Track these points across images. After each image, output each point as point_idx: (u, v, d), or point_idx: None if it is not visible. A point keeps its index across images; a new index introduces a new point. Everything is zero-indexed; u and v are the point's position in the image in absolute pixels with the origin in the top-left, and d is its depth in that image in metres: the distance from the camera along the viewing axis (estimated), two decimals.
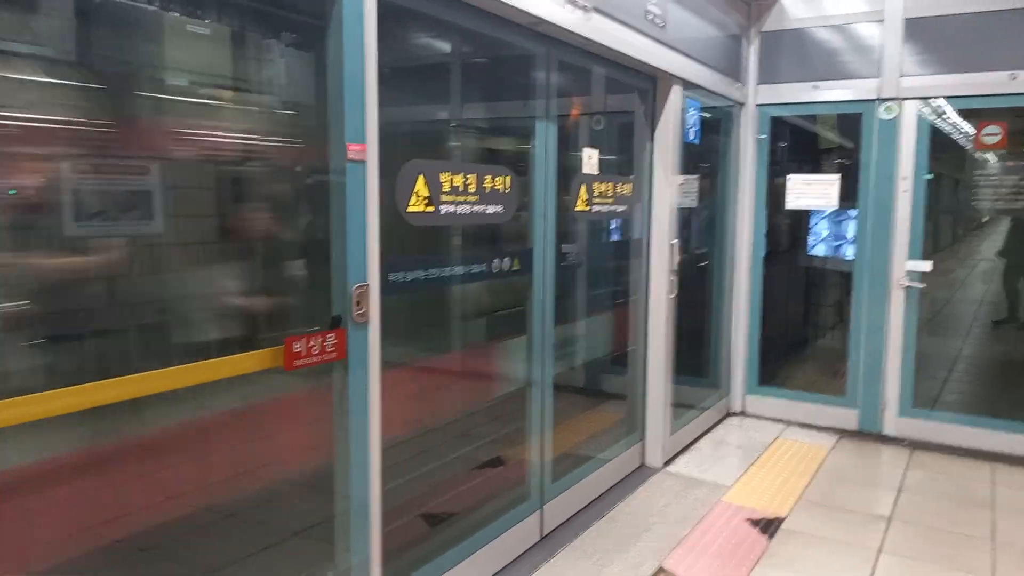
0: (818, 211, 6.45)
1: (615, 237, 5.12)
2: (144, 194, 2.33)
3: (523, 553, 3.52)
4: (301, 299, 2.93)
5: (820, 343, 7.09)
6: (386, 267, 2.53)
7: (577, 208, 3.77)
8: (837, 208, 5.50)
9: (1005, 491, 4.40)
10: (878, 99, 5.17)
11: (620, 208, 4.17)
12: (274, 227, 2.96)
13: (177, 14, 2.61)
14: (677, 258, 4.63)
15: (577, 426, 4.48)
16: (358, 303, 2.38)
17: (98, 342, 2.41)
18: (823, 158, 6.50)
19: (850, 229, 6.30)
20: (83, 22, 2.39)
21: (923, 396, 5.32)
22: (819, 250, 6.86)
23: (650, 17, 4.06)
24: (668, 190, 4.54)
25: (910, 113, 5.10)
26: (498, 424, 4.08)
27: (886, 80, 5.13)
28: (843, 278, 6.53)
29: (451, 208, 2.85)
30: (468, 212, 2.95)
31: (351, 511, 2.49)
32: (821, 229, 6.86)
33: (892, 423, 5.30)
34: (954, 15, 4.91)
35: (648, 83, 4.47)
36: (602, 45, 3.64)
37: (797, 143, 6.16)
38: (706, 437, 5.28)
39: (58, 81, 2.29)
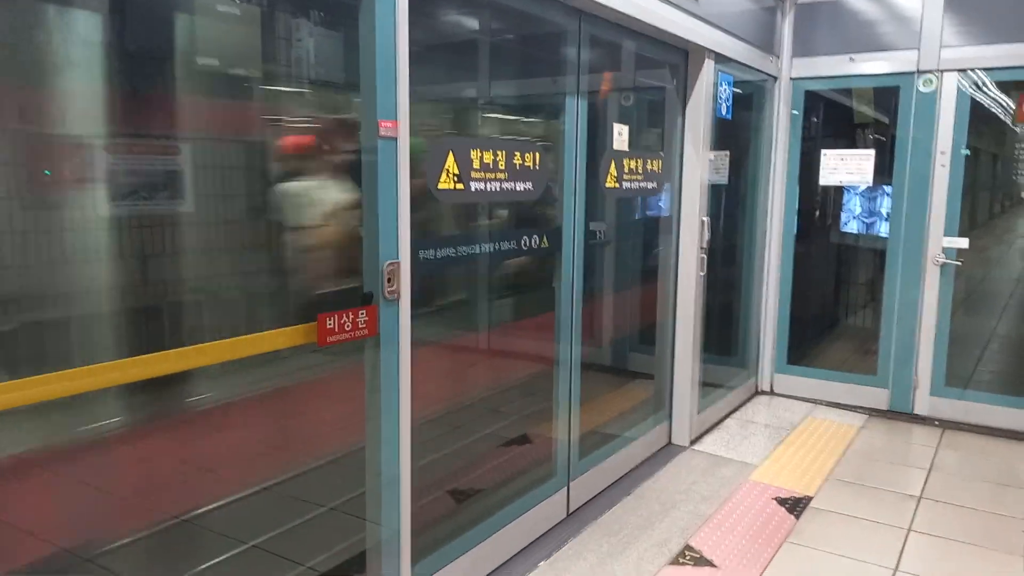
0: (851, 187, 6.34)
1: (644, 214, 5.07)
2: None
3: (549, 530, 3.54)
4: None
5: (850, 321, 7.00)
6: (417, 244, 2.54)
7: (607, 185, 3.73)
8: (871, 184, 5.40)
9: None
10: (917, 71, 5.03)
11: (650, 185, 4.12)
12: None
13: None
14: (707, 236, 4.58)
15: (604, 404, 4.48)
16: (389, 280, 2.38)
17: None
18: (857, 133, 6.36)
19: (884, 205, 6.18)
20: None
21: (956, 375, 5.24)
22: (851, 227, 6.74)
23: None
24: (699, 166, 4.48)
25: (950, 86, 4.96)
26: (525, 401, 4.09)
27: (925, 51, 4.99)
28: (875, 255, 6.42)
29: (481, 185, 2.83)
30: (498, 189, 2.93)
31: (382, 486, 2.52)
32: (854, 206, 6.74)
33: (924, 402, 5.23)
34: None
35: (680, 57, 4.39)
36: (634, 18, 3.57)
37: (831, 117, 6.03)
38: (734, 416, 5.26)
39: None
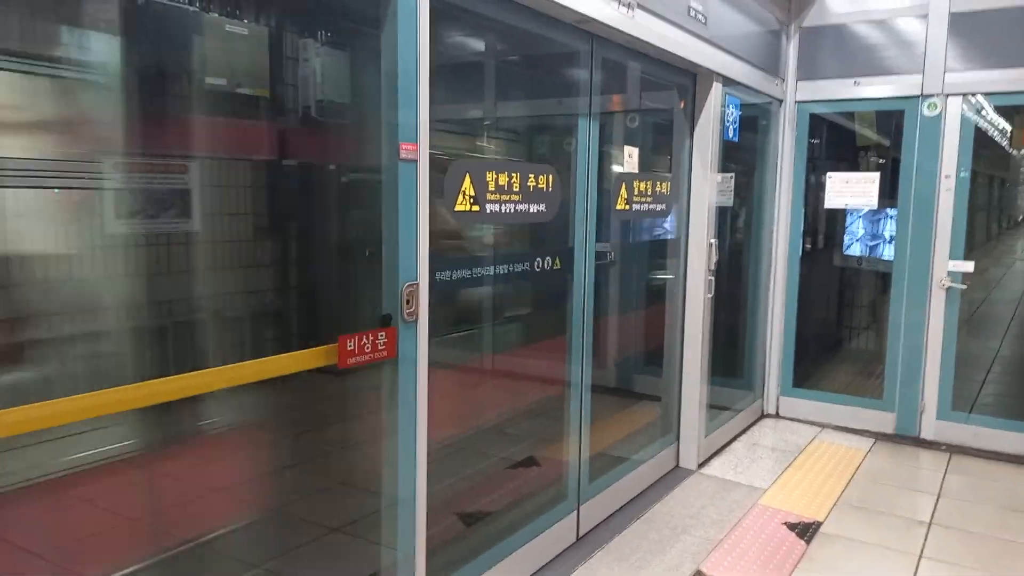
0: (855, 210, 6.36)
1: (652, 235, 5.08)
2: None
3: (560, 554, 3.51)
4: None
5: (855, 345, 7.00)
6: (434, 266, 2.53)
7: (617, 207, 3.74)
8: (876, 207, 5.42)
9: None
10: (921, 95, 5.07)
11: (659, 207, 4.13)
12: None
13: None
14: (715, 258, 4.59)
15: (612, 426, 4.46)
16: (408, 301, 2.38)
17: None
18: (861, 156, 6.40)
19: (887, 228, 6.20)
20: None
21: (961, 399, 5.24)
22: (855, 249, 6.76)
23: (692, 13, 4.01)
24: (707, 188, 4.50)
25: (954, 110, 5.00)
26: (534, 423, 4.07)
27: (929, 76, 5.03)
28: (880, 278, 6.44)
29: (496, 207, 2.83)
30: (512, 211, 2.93)
31: (398, 507, 2.50)
32: (857, 228, 6.77)
33: (930, 427, 5.22)
34: (1001, 8, 4.80)
35: (688, 79, 4.42)
36: (645, 42, 3.60)
37: (835, 140, 6.07)
38: (740, 439, 5.24)
39: None
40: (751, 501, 4.17)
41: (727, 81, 4.55)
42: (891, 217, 5.53)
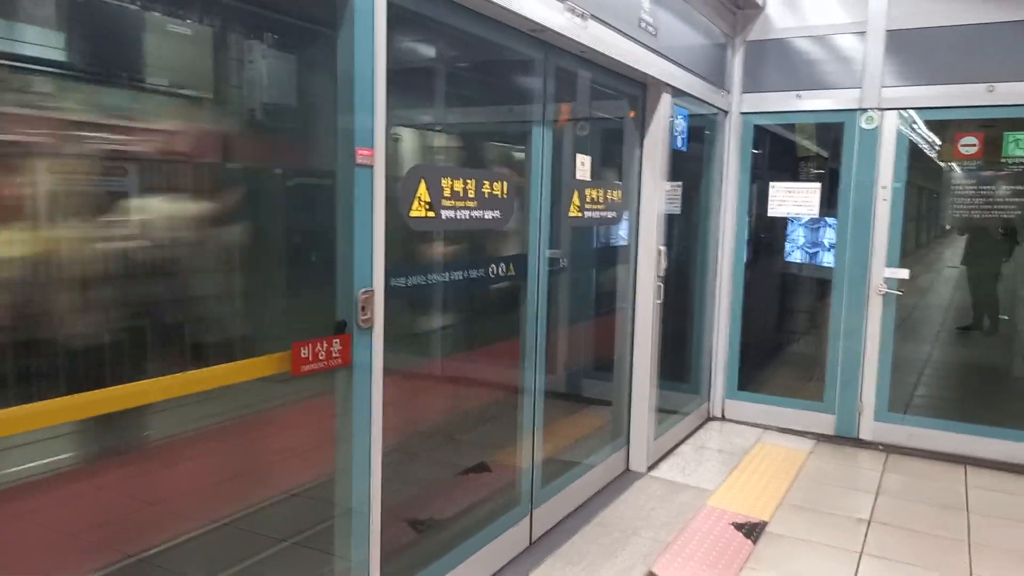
0: (795, 218, 6.56)
1: (604, 242, 5.14)
2: None
3: (514, 558, 3.51)
4: None
5: (797, 349, 7.20)
6: (389, 272, 2.52)
7: (570, 214, 3.78)
8: (817, 216, 5.60)
9: (978, 494, 4.52)
10: (859, 109, 5.27)
11: (611, 214, 4.19)
12: None
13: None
14: (664, 264, 4.67)
15: (564, 431, 4.49)
16: (363, 308, 2.36)
17: None
18: (802, 167, 6.60)
19: (826, 236, 6.41)
20: None
21: (897, 401, 5.44)
22: (796, 257, 6.96)
23: (643, 25, 4.09)
24: (656, 196, 4.58)
25: (890, 123, 5.20)
26: (488, 429, 4.07)
27: (868, 90, 5.23)
28: (820, 285, 6.64)
29: (451, 213, 2.83)
30: (467, 217, 2.94)
31: (351, 515, 2.47)
32: (798, 236, 6.97)
33: (868, 428, 5.41)
34: (935, 27, 5.02)
35: (639, 90, 4.50)
36: (597, 51, 3.65)
37: (778, 151, 6.25)
38: (688, 442, 5.34)
39: None
40: (699, 503, 4.25)
41: (676, 92, 4.65)
42: (830, 225, 5.72)
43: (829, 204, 5.52)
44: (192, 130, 2.67)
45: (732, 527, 3.95)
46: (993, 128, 5.15)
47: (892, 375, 5.38)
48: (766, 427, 5.68)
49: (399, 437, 3.32)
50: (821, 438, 5.48)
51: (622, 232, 4.65)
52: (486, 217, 3.04)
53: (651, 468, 4.76)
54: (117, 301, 2.41)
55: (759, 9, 5.45)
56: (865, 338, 5.36)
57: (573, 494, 4.07)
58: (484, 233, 3.45)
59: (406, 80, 3.29)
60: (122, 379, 1.92)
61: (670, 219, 4.93)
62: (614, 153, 4.64)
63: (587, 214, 3.92)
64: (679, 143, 4.81)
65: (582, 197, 3.85)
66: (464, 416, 4.06)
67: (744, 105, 5.63)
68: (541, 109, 3.47)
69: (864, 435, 5.42)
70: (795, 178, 6.18)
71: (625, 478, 4.59)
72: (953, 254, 7.09)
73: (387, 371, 2.54)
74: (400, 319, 3.11)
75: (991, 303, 6.47)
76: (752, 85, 5.60)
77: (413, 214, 2.64)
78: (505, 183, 3.15)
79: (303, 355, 2.17)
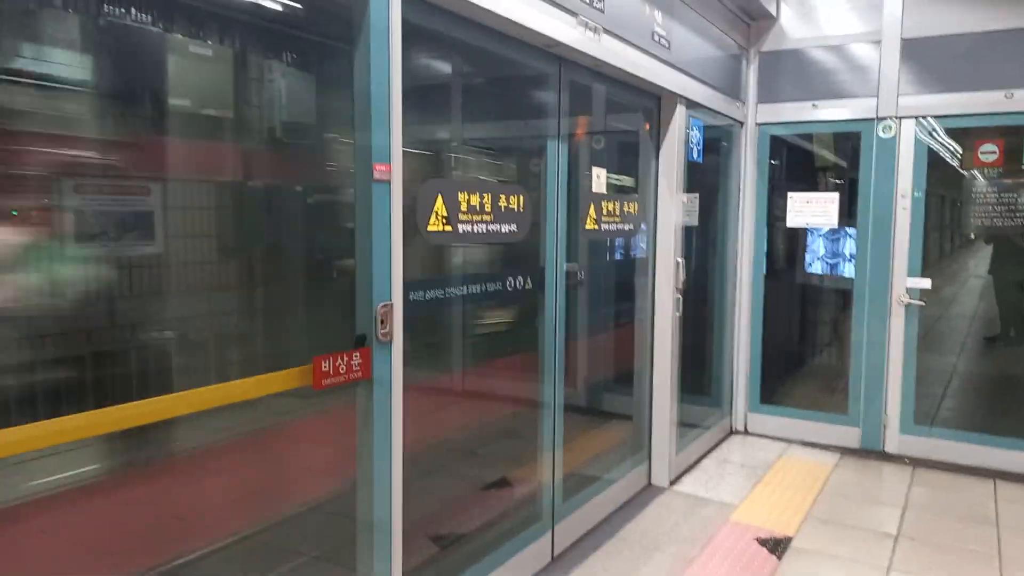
0: (814, 229, 6.51)
1: (621, 255, 5.13)
2: None
3: (535, 574, 3.49)
4: None
5: (819, 361, 7.12)
6: (408, 286, 2.53)
7: (586, 227, 3.78)
8: (836, 226, 5.56)
9: (1008, 507, 4.42)
10: (876, 118, 5.24)
11: (627, 227, 4.19)
12: None
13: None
14: (682, 276, 4.65)
15: (584, 445, 4.46)
16: (382, 322, 2.37)
17: None
18: (820, 176, 6.57)
19: (847, 247, 6.35)
20: None
21: (922, 413, 5.36)
22: (816, 268, 6.91)
23: (656, 38, 4.10)
24: (673, 208, 4.57)
25: (908, 132, 5.17)
26: (508, 444, 4.06)
27: (884, 99, 5.20)
28: (841, 295, 6.57)
29: (468, 227, 2.85)
30: (484, 231, 2.95)
31: (373, 530, 2.46)
32: (817, 247, 6.92)
33: (894, 441, 5.32)
34: (951, 35, 5.00)
35: (653, 102, 4.51)
36: (611, 65, 3.67)
37: (796, 161, 6.22)
38: (710, 456, 5.28)
39: None
40: (722, 517, 4.20)
41: (690, 104, 4.65)
42: (850, 236, 5.68)
43: (848, 214, 5.48)
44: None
45: (756, 542, 3.90)
46: (1015, 135, 5.10)
47: (917, 387, 5.30)
48: (789, 441, 5.61)
49: (418, 450, 3.31)
50: (846, 451, 5.41)
51: (640, 244, 4.64)
52: (502, 230, 3.05)
53: (673, 482, 4.71)
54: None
55: (773, 20, 5.46)
56: (888, 349, 5.29)
57: (594, 509, 4.03)
58: (503, 246, 3.46)
59: (421, 95, 3.32)
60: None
61: (688, 231, 4.92)
62: (630, 165, 4.65)
63: (604, 227, 3.92)
64: (695, 155, 4.81)
65: (598, 210, 3.86)
66: (482, 430, 4.05)
67: (760, 116, 5.62)
68: (556, 122, 3.49)
69: (890, 448, 5.34)
70: (813, 188, 6.15)
71: (647, 493, 4.55)
72: (977, 264, 7.00)
73: (406, 384, 2.54)
74: (419, 332, 3.13)
75: (1018, 313, 6.36)
76: (767, 95, 5.59)
77: (431, 228, 2.66)
78: (521, 196, 3.16)
79: (324, 369, 2.18)
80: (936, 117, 5.14)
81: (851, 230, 5.55)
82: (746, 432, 5.80)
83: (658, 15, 4.11)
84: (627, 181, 4.70)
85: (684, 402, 4.90)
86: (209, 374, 3.02)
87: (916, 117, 5.14)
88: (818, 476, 4.90)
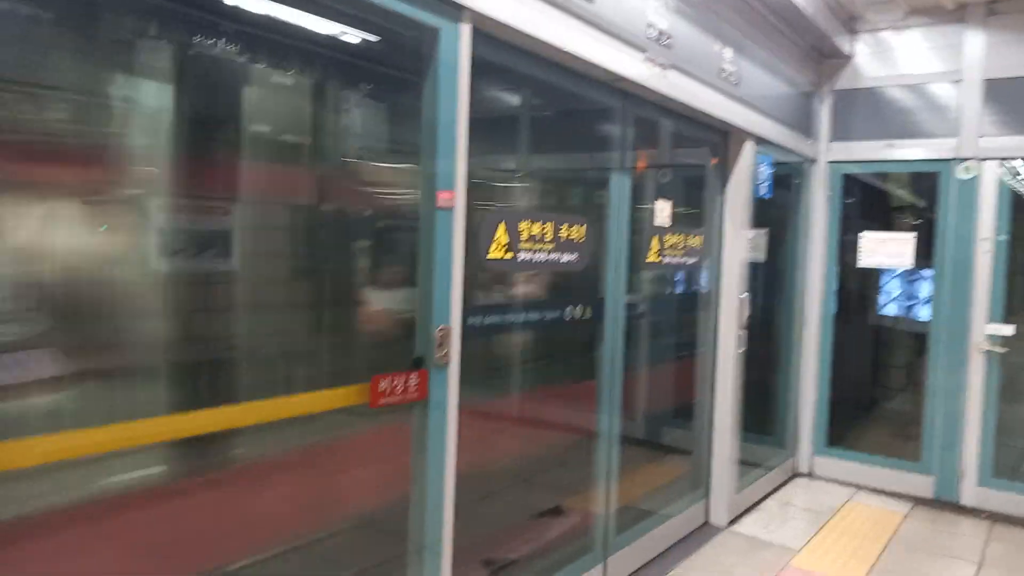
0: (889, 270, 6.32)
1: (683, 289, 5.10)
2: None
3: None
4: None
5: (891, 405, 6.86)
6: (466, 311, 2.60)
7: (648, 259, 3.79)
8: (911, 267, 5.39)
9: None
10: (955, 159, 5.09)
11: (690, 260, 4.18)
12: None
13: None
14: (747, 312, 4.59)
15: (640, 478, 4.41)
16: (440, 344, 2.44)
17: None
18: (895, 216, 6.39)
19: (923, 289, 6.14)
20: None
21: (1003, 465, 5.08)
22: (889, 309, 6.69)
23: (724, 75, 4.12)
24: (738, 244, 4.53)
25: (990, 173, 5.00)
26: (562, 472, 4.05)
27: (964, 140, 5.05)
28: (916, 339, 6.34)
29: (528, 256, 2.91)
30: (544, 260, 3.00)
31: (424, 550, 2.51)
32: (892, 288, 6.71)
33: (970, 493, 5.07)
34: None
35: (720, 137, 4.51)
36: (677, 100, 3.70)
37: (869, 200, 6.09)
38: (772, 498, 5.14)
39: None
40: (782, 562, 4.08)
41: (759, 140, 4.63)
42: (927, 278, 5.49)
43: (924, 255, 5.31)
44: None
45: None
46: None
47: (998, 437, 5.04)
48: (857, 486, 5.41)
49: (471, 473, 3.35)
50: (918, 501, 5.17)
51: (703, 279, 4.61)
52: (562, 260, 3.10)
53: (732, 522, 4.60)
54: None
55: (846, 59, 5.39)
56: (966, 397, 5.06)
57: (649, 544, 3.98)
58: (563, 276, 3.50)
59: (486, 126, 3.43)
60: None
61: (754, 267, 4.86)
62: (695, 199, 4.64)
63: (666, 259, 3.92)
64: (762, 191, 4.77)
65: (661, 242, 3.87)
66: (537, 457, 4.06)
67: (832, 153, 5.53)
68: (619, 155, 3.54)
69: (966, 500, 5.08)
70: (887, 227, 5.99)
71: (704, 531, 4.46)
72: None
73: (461, 407, 2.60)
74: (475, 357, 3.19)
75: None
76: (840, 133, 5.50)
77: (491, 256, 2.73)
78: (582, 227, 3.20)
79: (381, 388, 2.25)
80: (1020, 160, 4.95)
81: (928, 272, 5.37)
82: (811, 475, 5.62)
83: (727, 52, 4.14)
84: (692, 214, 4.69)
85: (746, 441, 4.80)
86: (276, 387, 3.15)
87: (999, 159, 4.97)
88: (887, 525, 4.70)
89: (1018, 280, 6.12)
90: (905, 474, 5.28)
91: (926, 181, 5.39)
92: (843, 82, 5.47)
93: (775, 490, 5.27)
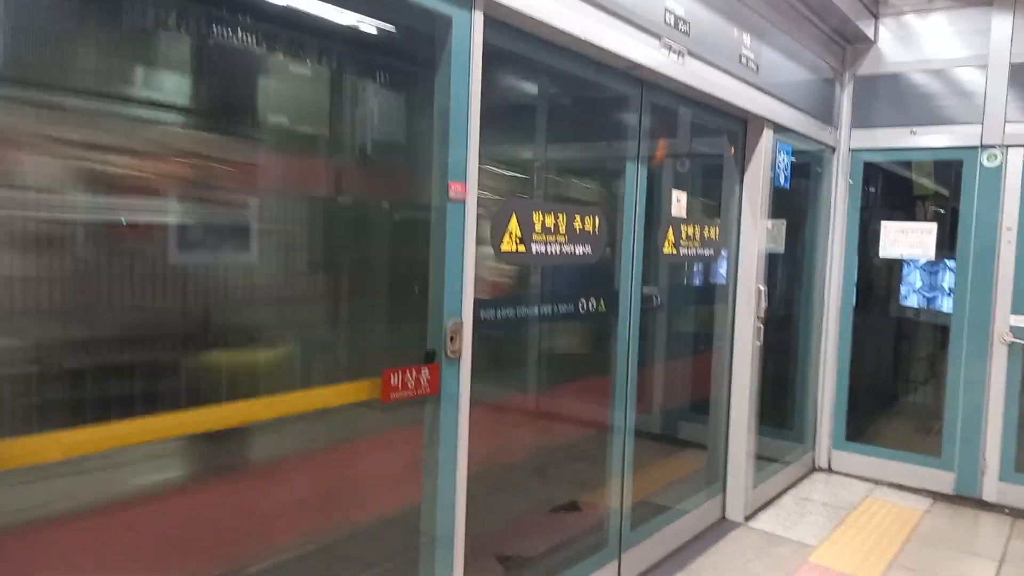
0: (911, 260, 6.21)
1: (701, 280, 5.04)
2: None
3: None
4: None
5: (912, 399, 6.76)
6: (478, 304, 2.55)
7: (664, 251, 3.73)
8: (932, 258, 5.28)
9: None
10: (980, 146, 4.97)
11: (707, 252, 4.10)
12: None
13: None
14: (764, 304, 4.51)
15: (656, 473, 4.37)
16: (452, 338, 2.39)
17: None
18: (917, 205, 6.27)
19: (946, 280, 6.02)
20: None
21: None
22: (911, 301, 6.58)
23: (743, 61, 4.03)
24: (756, 234, 4.45)
25: (1016, 161, 4.87)
26: (576, 466, 4.02)
27: (989, 126, 4.93)
28: (937, 331, 6.23)
29: (542, 248, 2.85)
30: (558, 252, 2.95)
31: (436, 544, 2.48)
32: (914, 279, 6.59)
33: (992, 488, 4.98)
34: None
35: (739, 125, 4.42)
36: (695, 88, 3.62)
37: (890, 188, 5.97)
38: (789, 493, 5.07)
39: None
40: (800, 558, 4.02)
41: (778, 128, 4.54)
42: (950, 269, 5.38)
43: (948, 246, 5.20)
44: None
45: None
46: None
47: (1021, 432, 4.95)
48: (876, 481, 5.33)
49: (482, 468, 3.32)
50: (938, 497, 5.09)
51: (720, 270, 4.54)
52: (576, 252, 3.04)
53: (749, 518, 4.54)
54: None
55: (870, 43, 5.27)
56: (988, 390, 4.97)
57: (665, 539, 3.94)
58: (577, 268, 3.45)
59: (499, 116, 3.36)
60: None
61: (773, 258, 4.78)
62: (713, 189, 4.56)
63: (682, 251, 3.85)
64: (781, 180, 4.67)
65: (677, 234, 3.80)
66: (550, 451, 4.03)
67: (853, 141, 5.42)
68: (635, 144, 3.47)
69: (987, 496, 4.99)
70: (909, 217, 5.88)
71: (720, 527, 4.40)
72: None
73: (473, 401, 2.56)
74: (487, 351, 3.14)
75: None
76: (862, 120, 5.39)
77: (504, 248, 2.68)
78: (596, 218, 3.14)
79: (393, 382, 2.22)
80: None
81: (951, 262, 5.26)
82: (830, 470, 5.55)
83: (746, 38, 4.04)
84: (709, 204, 4.62)
85: (764, 435, 4.73)
86: (294, 380, 3.12)
87: None
88: (906, 521, 4.63)
89: None
90: (925, 469, 5.20)
91: (949, 169, 5.27)
92: (865, 68, 5.35)
93: (793, 485, 5.20)
